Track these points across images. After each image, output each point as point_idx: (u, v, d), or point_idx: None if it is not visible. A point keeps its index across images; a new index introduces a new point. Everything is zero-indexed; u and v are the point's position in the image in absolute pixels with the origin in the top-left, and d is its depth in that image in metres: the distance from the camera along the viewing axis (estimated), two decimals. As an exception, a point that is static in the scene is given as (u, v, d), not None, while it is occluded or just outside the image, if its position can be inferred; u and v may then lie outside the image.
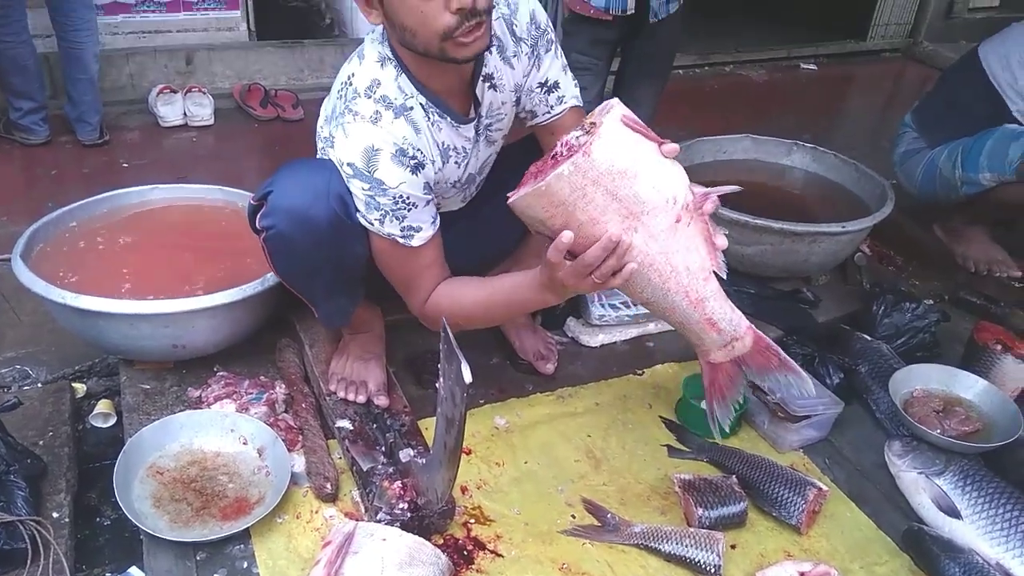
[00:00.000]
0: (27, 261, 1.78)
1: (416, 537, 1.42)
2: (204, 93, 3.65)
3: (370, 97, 1.47)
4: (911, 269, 2.61)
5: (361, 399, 1.76)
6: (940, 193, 2.51)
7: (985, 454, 1.78)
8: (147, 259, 1.95)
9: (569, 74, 1.71)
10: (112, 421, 2.03)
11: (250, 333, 1.91)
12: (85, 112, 3.22)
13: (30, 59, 3.08)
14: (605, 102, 1.27)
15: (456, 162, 1.63)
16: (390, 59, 1.49)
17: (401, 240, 1.50)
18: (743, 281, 2.25)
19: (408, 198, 1.48)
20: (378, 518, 1.49)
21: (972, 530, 1.61)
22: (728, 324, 1.40)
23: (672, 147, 1.28)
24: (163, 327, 1.71)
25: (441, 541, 1.54)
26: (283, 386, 1.85)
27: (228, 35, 3.91)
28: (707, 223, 1.34)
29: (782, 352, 1.45)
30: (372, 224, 1.49)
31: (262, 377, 1.88)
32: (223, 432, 1.68)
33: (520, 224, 1.43)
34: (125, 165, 3.24)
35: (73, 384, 2.08)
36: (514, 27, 1.60)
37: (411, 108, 1.50)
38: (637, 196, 1.23)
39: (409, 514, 1.50)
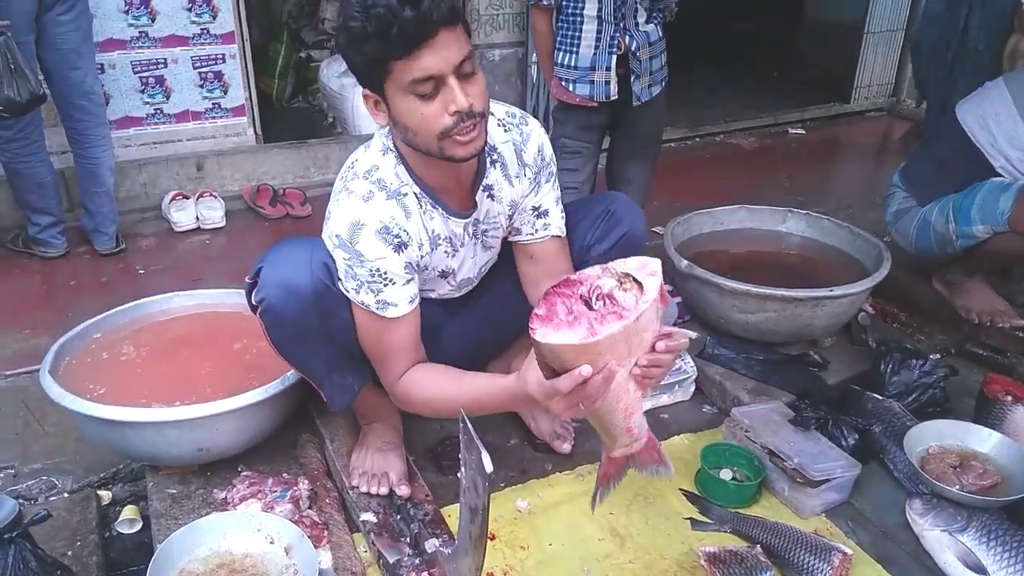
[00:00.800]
0: (55, 376, 1.84)
1: (446, 629, 1.43)
2: (215, 197, 3.78)
3: (367, 179, 1.58)
4: (915, 325, 2.65)
5: (383, 491, 1.79)
6: (936, 249, 2.57)
7: (1006, 507, 1.78)
8: (170, 367, 2.01)
9: (559, 206, 1.82)
10: (138, 527, 2.04)
11: (273, 431, 1.94)
12: (102, 223, 3.33)
13: (48, 177, 3.21)
14: (644, 259, 1.29)
15: (445, 251, 1.71)
16: (392, 150, 1.61)
17: (376, 311, 1.58)
18: (751, 348, 2.29)
19: (385, 273, 1.56)
20: (408, 611, 1.50)
21: (1000, 586, 1.61)
22: (639, 429, 1.45)
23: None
24: (189, 432, 1.76)
25: (470, 631, 1.55)
26: (306, 482, 1.88)
27: (236, 140, 4.06)
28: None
29: (662, 449, 1.53)
30: (349, 292, 1.58)
31: (285, 474, 1.91)
32: (250, 532, 1.70)
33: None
34: (141, 271, 3.33)
35: (99, 492, 2.11)
36: (522, 153, 1.73)
37: (405, 194, 1.60)
38: (643, 342, 1.29)
39: (438, 605, 1.51)
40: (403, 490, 1.79)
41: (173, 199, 3.69)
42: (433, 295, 1.81)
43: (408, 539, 1.66)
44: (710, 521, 1.86)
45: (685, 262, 2.29)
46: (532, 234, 1.79)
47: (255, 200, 3.91)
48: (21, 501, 1.86)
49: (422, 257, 1.65)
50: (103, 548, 1.92)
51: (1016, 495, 1.76)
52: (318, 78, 4.85)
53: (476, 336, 1.98)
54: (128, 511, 2.08)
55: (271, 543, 1.69)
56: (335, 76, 4.62)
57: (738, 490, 1.91)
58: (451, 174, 1.62)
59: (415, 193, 1.61)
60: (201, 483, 1.90)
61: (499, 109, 1.75)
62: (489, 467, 1.19)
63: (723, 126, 4.91)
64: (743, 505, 1.91)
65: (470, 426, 1.26)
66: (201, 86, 3.91)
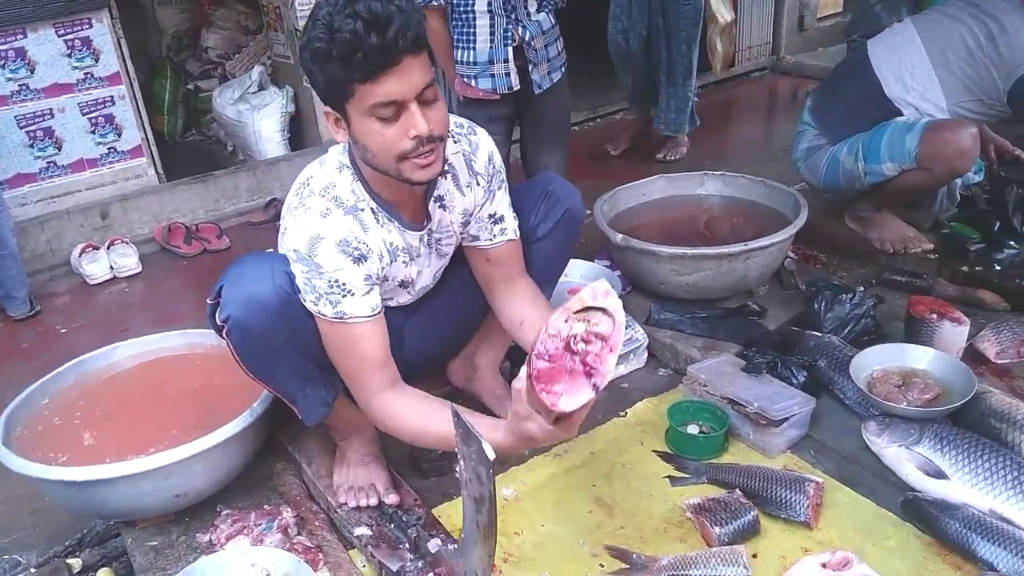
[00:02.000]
0: (9, 447, 1.76)
1: (465, 622, 1.46)
2: (127, 243, 3.66)
3: (324, 196, 1.59)
4: (835, 263, 2.81)
5: (373, 502, 1.79)
6: (844, 184, 2.73)
7: (951, 415, 1.92)
8: (129, 420, 1.96)
9: (512, 210, 1.86)
10: (115, 589, 1.99)
11: (246, 466, 1.92)
12: (12, 287, 3.18)
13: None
14: (592, 286, 1.28)
15: (404, 262, 1.73)
16: (348, 168, 1.62)
17: (335, 320, 1.57)
18: (693, 308, 2.39)
19: (343, 284, 1.56)
20: (421, 613, 1.51)
21: (960, 486, 1.74)
22: None
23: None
24: (164, 480, 1.71)
25: (484, 622, 1.58)
26: (289, 509, 1.86)
27: (138, 182, 3.93)
28: None
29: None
30: (307, 304, 1.58)
31: (266, 506, 1.89)
32: (245, 569, 1.67)
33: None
34: (63, 331, 3.19)
35: (67, 561, 2.04)
36: (472, 163, 1.77)
37: (362, 210, 1.62)
38: None
39: (450, 601, 1.53)
40: (391, 498, 1.80)
41: (83, 252, 3.55)
42: (392, 303, 1.82)
43: (407, 545, 1.67)
44: (687, 475, 1.95)
45: (620, 236, 2.37)
46: (490, 239, 1.83)
47: (169, 240, 3.80)
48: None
49: (382, 269, 1.66)
50: (84, 617, 1.87)
51: (958, 402, 1.91)
52: (212, 108, 4.74)
53: (436, 335, 2.00)
54: (102, 574, 2.02)
55: None
56: (229, 104, 4.52)
57: (707, 442, 2.00)
58: (405, 190, 1.64)
59: (372, 208, 1.63)
60: (181, 530, 1.86)
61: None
62: (491, 455, 1.22)
63: (620, 104, 5.04)
64: (714, 455, 2.00)
65: (465, 419, 1.28)
66: (92, 132, 3.77)
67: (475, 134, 1.81)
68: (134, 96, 3.83)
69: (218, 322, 1.60)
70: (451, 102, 3.84)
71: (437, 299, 1.96)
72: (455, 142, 1.76)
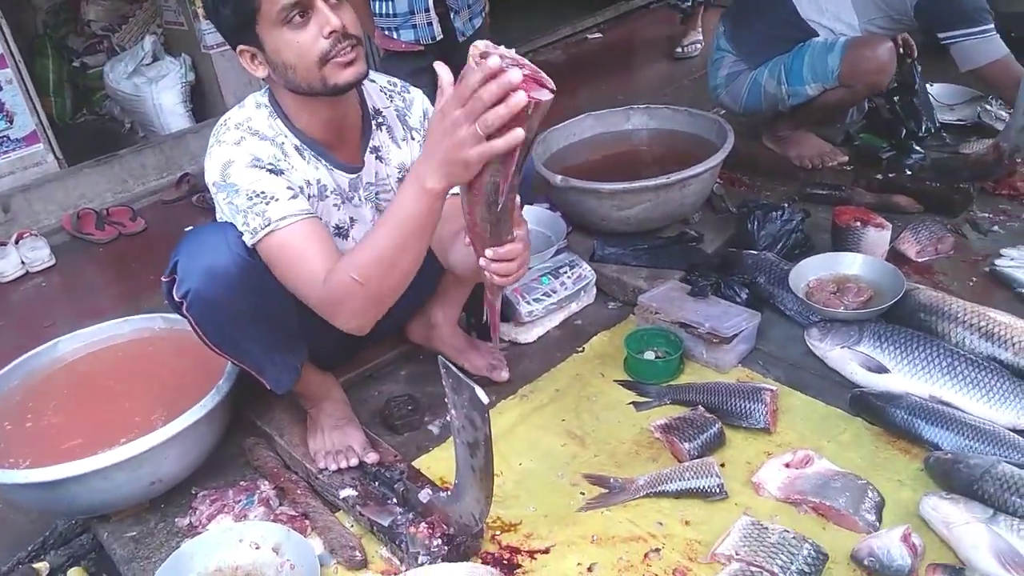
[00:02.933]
0: (-37, 456, 1.69)
1: (465, 563, 1.51)
2: (35, 235, 3.47)
3: (239, 128, 1.60)
4: (759, 184, 2.93)
5: (354, 462, 1.80)
6: (766, 107, 2.83)
7: (885, 313, 2.06)
8: (86, 415, 1.90)
9: None
10: (89, 587, 1.95)
11: (216, 447, 1.89)
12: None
13: None
14: (478, 44, 1.18)
15: (335, 204, 1.73)
16: (267, 106, 1.64)
17: (272, 232, 1.53)
18: (635, 240, 2.45)
19: (263, 192, 1.54)
20: (419, 562, 1.55)
21: (901, 378, 1.89)
22: None
23: None
24: (137, 469, 1.68)
25: (480, 561, 1.63)
26: (267, 482, 1.86)
27: (37, 170, 3.71)
28: None
29: None
30: (245, 234, 1.55)
31: (242, 482, 1.87)
32: (233, 545, 1.67)
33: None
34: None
35: (33, 566, 1.98)
36: (407, 118, 1.79)
37: (282, 143, 1.63)
38: None
39: (446, 548, 1.57)
40: (371, 456, 1.81)
41: (-11, 249, 3.35)
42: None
43: (395, 500, 1.70)
44: (650, 399, 2.03)
45: (559, 177, 2.40)
46: None
47: (80, 228, 3.62)
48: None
49: (309, 197, 1.64)
50: (62, 619, 1.83)
51: (890, 301, 2.04)
52: (104, 84, 4.49)
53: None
54: (74, 573, 1.97)
55: (257, 549, 1.68)
56: (124, 78, 4.29)
57: (664, 365, 2.09)
58: (335, 124, 1.65)
59: (295, 145, 1.64)
60: (158, 518, 1.83)
61: (380, 78, 1.81)
62: (485, 399, 1.26)
63: (529, 44, 5.03)
64: (672, 377, 2.09)
65: (453, 368, 1.31)
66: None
67: (408, 92, 1.82)
68: (22, 79, 3.58)
69: (176, 298, 1.57)
70: (373, 59, 3.77)
71: None
72: (389, 98, 1.77)
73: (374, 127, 1.75)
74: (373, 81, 1.79)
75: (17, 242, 3.41)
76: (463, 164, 1.24)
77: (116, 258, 3.50)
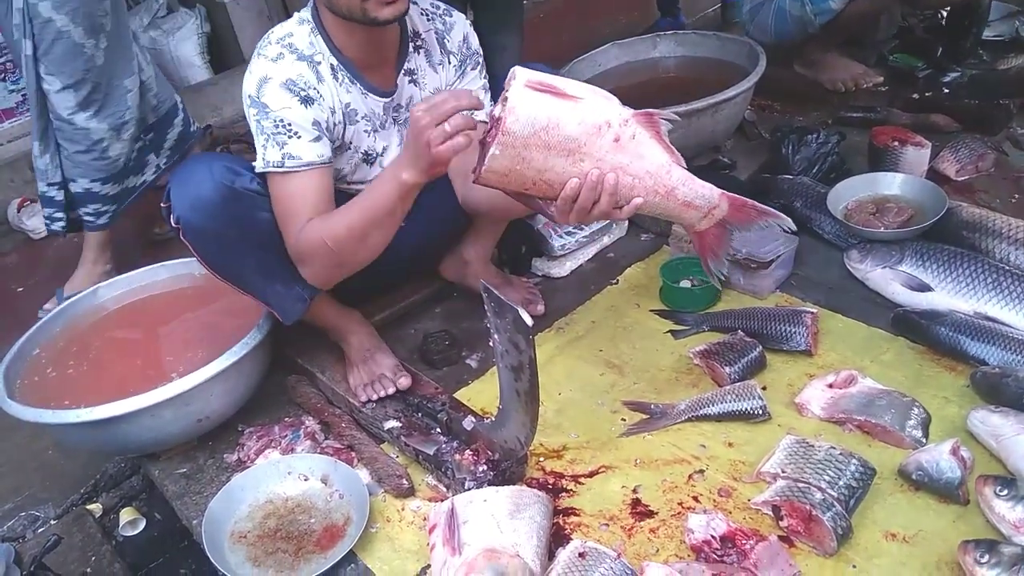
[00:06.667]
0: (15, 400, 1.73)
1: (512, 486, 1.52)
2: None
3: (279, 44, 1.62)
4: (791, 110, 2.86)
5: (391, 390, 1.83)
6: (795, 32, 2.75)
7: (926, 233, 2.02)
8: (126, 360, 1.92)
9: (488, 94, 1.86)
10: (142, 526, 2.00)
11: (259, 384, 1.92)
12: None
13: None
14: (512, 70, 1.36)
15: (366, 130, 1.73)
16: (309, 21, 1.64)
17: (281, 172, 1.58)
18: (667, 169, 2.41)
19: (289, 124, 1.58)
20: (466, 487, 1.57)
21: (945, 295, 1.86)
22: (702, 200, 1.53)
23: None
24: (184, 406, 1.71)
25: (525, 486, 1.64)
26: (311, 418, 1.88)
27: (63, 127, 3.71)
28: (657, 131, 1.45)
29: (757, 204, 1.60)
30: (258, 159, 1.58)
31: (287, 419, 1.90)
32: (282, 477, 1.71)
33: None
34: (20, 290, 3.06)
35: (87, 507, 2.04)
36: (445, 41, 1.79)
37: (319, 62, 1.63)
38: (568, 137, 1.35)
39: (492, 473, 1.58)
40: (403, 381, 1.84)
41: (20, 207, 3.36)
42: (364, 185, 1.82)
43: (439, 429, 1.71)
44: (687, 327, 2.02)
45: (587, 106, 2.35)
46: None
47: (107, 183, 3.63)
48: (9, 544, 1.78)
49: (335, 125, 1.66)
50: (121, 554, 1.88)
51: (931, 219, 2.00)
52: (121, 40, 4.45)
53: (424, 234, 1.99)
54: (126, 513, 2.02)
55: (306, 480, 1.71)
56: (140, 31, 4.25)
57: (702, 292, 2.07)
58: (373, 47, 1.65)
59: (332, 64, 1.64)
60: (207, 455, 1.87)
61: (423, 1, 1.79)
62: (529, 320, 1.25)
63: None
64: (710, 305, 2.07)
65: (495, 292, 1.30)
66: (3, 80, 3.52)
67: (451, 16, 1.81)
68: (38, 35, 3.56)
69: (173, 224, 1.61)
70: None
71: (423, 197, 1.93)
72: (428, 20, 1.76)
73: (411, 49, 1.75)
74: (415, 3, 1.76)
75: (46, 199, 3.43)
76: (432, 161, 1.38)
77: (146, 210, 3.50)
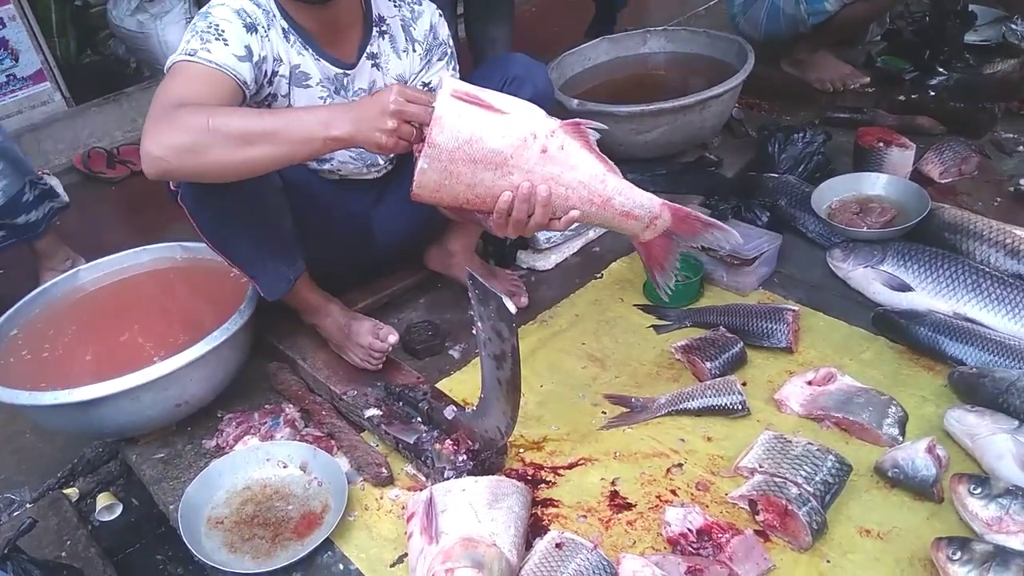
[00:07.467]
0: (-8, 380, 1.71)
1: (491, 476, 1.52)
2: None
3: None
4: (778, 109, 2.88)
5: (385, 346, 1.84)
6: (786, 31, 2.76)
7: (908, 234, 2.03)
8: (105, 343, 1.90)
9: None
10: (118, 511, 1.99)
11: (239, 370, 1.90)
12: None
13: None
14: (440, 78, 1.37)
15: (322, 96, 1.72)
16: None
17: (190, 60, 1.47)
18: (654, 166, 2.43)
19: (223, 31, 1.52)
20: (446, 476, 1.57)
21: (925, 296, 1.87)
22: (641, 210, 1.50)
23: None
24: (164, 390, 1.69)
25: (504, 477, 1.64)
26: (292, 405, 1.87)
27: (46, 109, 3.68)
28: (587, 140, 1.43)
29: (702, 215, 1.57)
30: (180, 50, 1.50)
31: (267, 405, 1.89)
32: (260, 464, 1.70)
33: None
34: (1, 271, 3.04)
35: (64, 492, 2.02)
36: (411, 29, 1.78)
37: (273, 17, 1.62)
38: (493, 150, 1.34)
39: (471, 463, 1.58)
40: (392, 338, 1.84)
41: (2, 189, 3.33)
42: (341, 171, 1.84)
43: (419, 418, 1.71)
44: (670, 323, 2.03)
45: (576, 100, 2.36)
46: None
47: (91, 167, 3.61)
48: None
49: (269, 72, 1.62)
50: (96, 539, 1.87)
51: (914, 220, 2.02)
52: (108, 24, 4.41)
53: (405, 221, 2.00)
54: (103, 499, 2.01)
55: (284, 467, 1.71)
56: (127, 16, 4.20)
57: (685, 288, 2.07)
58: (326, 25, 1.65)
59: (283, 27, 1.64)
60: (185, 440, 1.85)
61: None
62: (513, 308, 1.25)
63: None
64: (692, 301, 2.08)
65: (479, 278, 1.30)
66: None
67: (420, 4, 1.80)
68: (25, 16, 3.53)
69: (171, 188, 1.59)
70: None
71: (403, 186, 1.93)
72: (396, 7, 1.76)
73: (376, 34, 1.74)
74: None
75: (30, 181, 3.39)
76: (379, 144, 1.34)
77: (129, 196, 3.49)
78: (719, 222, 1.58)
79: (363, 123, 1.34)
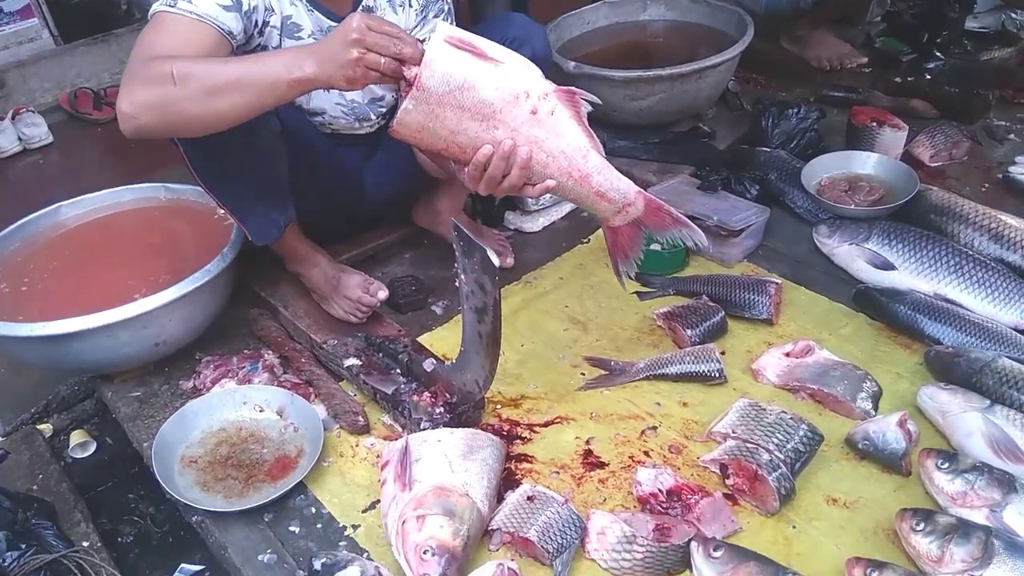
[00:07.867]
0: (-33, 312, 1.69)
1: (466, 428, 1.53)
2: (33, 112, 3.40)
3: None
4: (775, 84, 2.86)
5: (383, 295, 1.85)
6: (787, 5, 2.74)
7: (895, 214, 2.04)
8: (85, 279, 1.88)
9: None
10: (92, 449, 2.00)
11: (219, 314, 1.89)
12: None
13: None
14: (434, 23, 1.31)
15: None
16: None
17: (171, 12, 1.41)
18: (646, 134, 2.41)
19: None
20: (422, 428, 1.57)
21: (907, 275, 1.88)
22: (616, 193, 1.49)
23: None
24: (142, 329, 1.68)
25: (480, 430, 1.65)
26: (271, 351, 1.87)
27: (33, 46, 3.61)
28: (578, 111, 1.40)
29: (673, 210, 1.56)
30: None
31: (246, 350, 1.89)
32: (237, 407, 1.70)
33: None
34: (-19, 207, 3.00)
35: (37, 427, 2.02)
36: None
37: None
38: (483, 100, 1.31)
39: (448, 415, 1.59)
40: (381, 295, 1.84)
41: (-15, 123, 3.28)
42: (333, 126, 1.82)
43: (398, 369, 1.71)
44: (654, 290, 2.03)
45: (572, 63, 2.34)
46: None
47: (77, 107, 3.54)
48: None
49: (260, 22, 1.56)
50: (69, 475, 1.87)
51: (902, 200, 2.02)
52: (99, -39, 4.31)
53: (395, 175, 1.99)
54: (77, 436, 2.02)
55: (261, 411, 1.71)
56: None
57: (671, 256, 2.07)
58: None
59: None
60: (162, 380, 1.85)
61: None
62: (496, 261, 1.25)
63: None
64: (677, 270, 2.09)
65: (465, 230, 1.29)
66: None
67: None
68: (13, -54, 3.45)
69: None
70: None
71: (395, 142, 1.92)
72: None
73: None
74: None
75: (14, 118, 3.34)
76: (348, 77, 1.29)
77: (116, 138, 3.37)
78: (690, 222, 1.57)
79: (326, 60, 1.29)
